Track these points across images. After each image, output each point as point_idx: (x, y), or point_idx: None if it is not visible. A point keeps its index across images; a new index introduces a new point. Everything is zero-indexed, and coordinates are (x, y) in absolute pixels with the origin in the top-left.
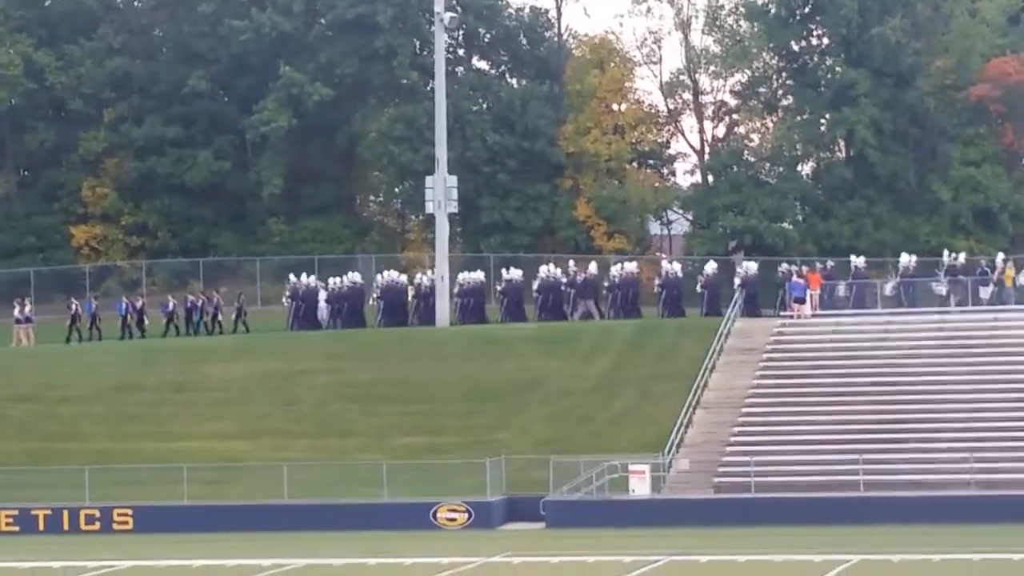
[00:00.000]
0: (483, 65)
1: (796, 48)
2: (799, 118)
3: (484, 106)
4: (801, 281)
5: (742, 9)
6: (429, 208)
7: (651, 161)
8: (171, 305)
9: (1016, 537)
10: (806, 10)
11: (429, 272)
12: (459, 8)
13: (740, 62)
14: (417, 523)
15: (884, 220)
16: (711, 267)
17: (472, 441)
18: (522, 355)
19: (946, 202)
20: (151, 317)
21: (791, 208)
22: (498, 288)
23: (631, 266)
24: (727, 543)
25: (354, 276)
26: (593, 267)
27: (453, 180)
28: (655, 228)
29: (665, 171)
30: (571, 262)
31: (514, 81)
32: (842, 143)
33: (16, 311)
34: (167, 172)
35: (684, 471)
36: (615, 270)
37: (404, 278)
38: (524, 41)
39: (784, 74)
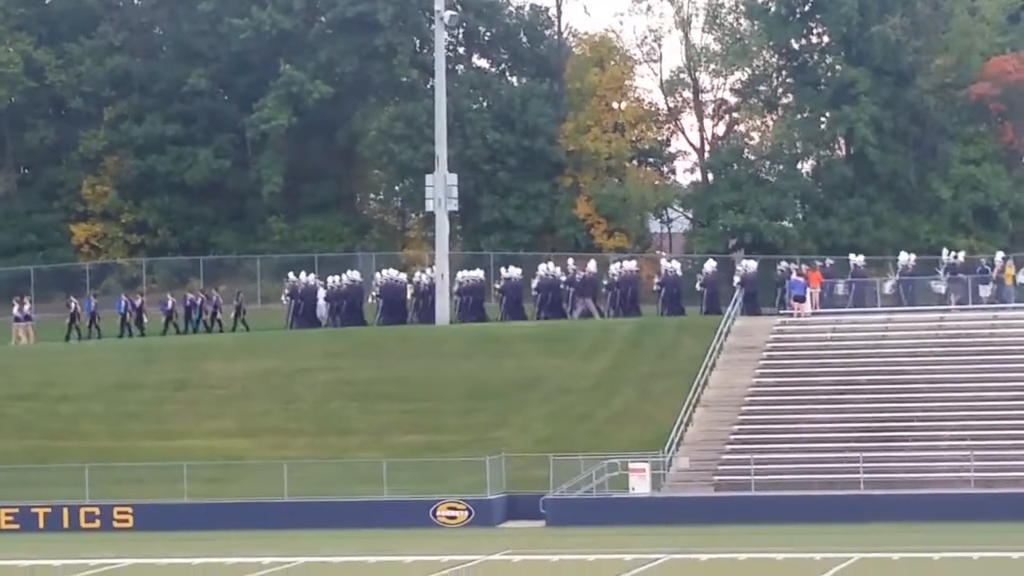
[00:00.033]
0: (483, 63)
1: (796, 46)
2: (799, 116)
3: (484, 104)
4: (801, 279)
5: (742, 7)
6: (429, 206)
7: (651, 159)
8: (170, 303)
9: (1016, 535)
10: (806, 8)
11: (428, 270)
12: (459, 6)
13: (740, 60)
14: (417, 521)
15: (884, 218)
16: (710, 265)
17: (472, 439)
18: (522, 353)
19: (946, 200)
20: (150, 315)
21: (791, 206)
22: (497, 287)
23: (630, 264)
24: (727, 541)
25: (353, 274)
26: (592, 265)
27: (453, 178)
28: (655, 226)
29: (665, 169)
30: (570, 260)
31: (514, 79)
32: (842, 141)
33: (15, 309)
34: (167, 170)
35: (684, 469)
36: (614, 268)
37: (403, 276)
38: (524, 39)
39: (784, 72)
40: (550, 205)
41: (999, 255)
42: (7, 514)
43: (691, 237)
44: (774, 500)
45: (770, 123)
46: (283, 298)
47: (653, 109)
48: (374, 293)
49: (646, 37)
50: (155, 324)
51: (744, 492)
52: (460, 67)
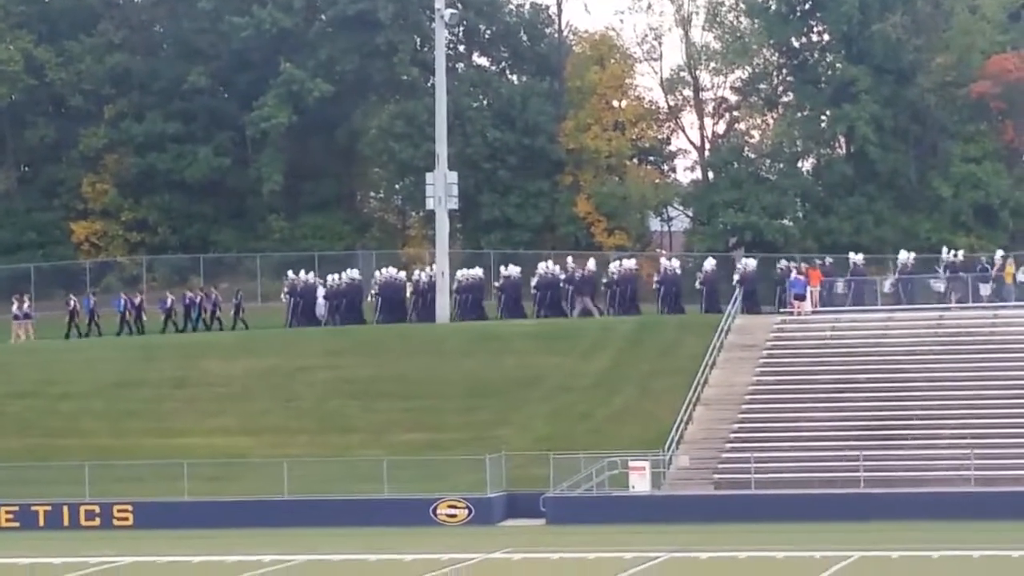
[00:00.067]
0: (484, 61)
1: (797, 44)
2: (799, 114)
3: (484, 102)
4: (801, 278)
5: (742, 5)
6: (429, 204)
7: (651, 157)
8: (169, 301)
9: (1015, 534)
10: (806, 6)
11: (427, 269)
12: (459, 4)
13: (740, 58)
14: (417, 519)
15: (884, 217)
16: (710, 264)
17: (472, 437)
18: (522, 352)
19: (946, 199)
20: (149, 314)
21: (791, 205)
22: (496, 285)
23: (630, 263)
24: (727, 539)
25: (352, 273)
26: (591, 264)
27: (453, 176)
28: (655, 225)
29: (665, 167)
30: (569, 259)
31: (514, 77)
32: (842, 140)
33: (15, 307)
34: (167, 168)
35: (684, 467)
36: (614, 267)
37: (402, 275)
38: (524, 37)
39: (784, 70)
40: (550, 203)
41: (998, 253)
42: (7, 512)
43: (691, 235)
44: (774, 498)
45: (770, 121)
46: (282, 296)
47: (653, 107)
48: (373, 291)
49: (646, 35)
50: (154, 322)
51: (744, 490)
52: (460, 65)
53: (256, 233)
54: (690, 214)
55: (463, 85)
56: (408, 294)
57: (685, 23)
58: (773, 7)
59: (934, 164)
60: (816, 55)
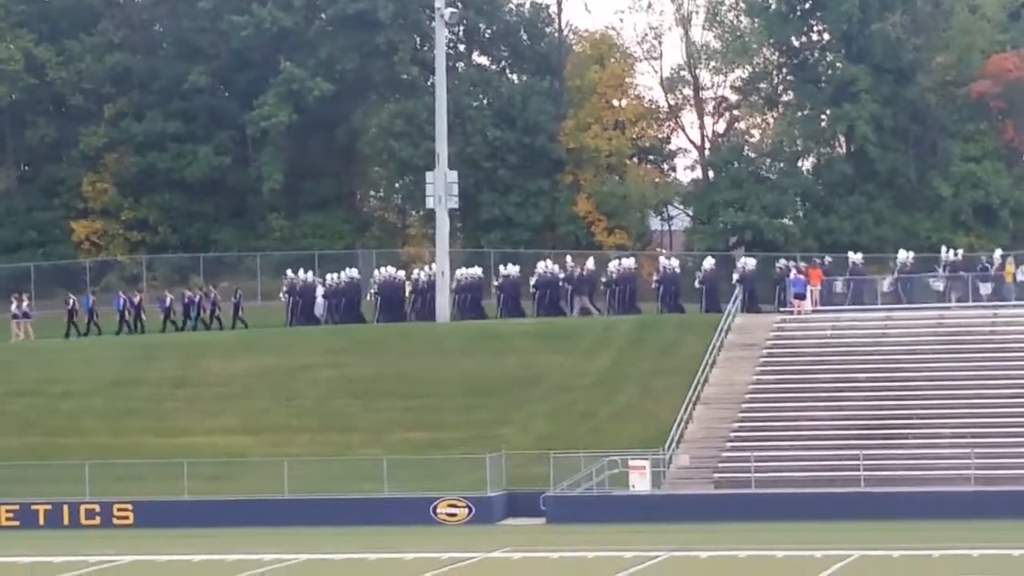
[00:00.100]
0: (484, 61)
1: (796, 44)
2: (799, 114)
3: (484, 101)
4: (802, 277)
5: (742, 5)
6: (429, 203)
7: (651, 157)
8: (168, 300)
9: (1016, 533)
10: (806, 6)
11: (426, 268)
12: (459, 3)
13: (740, 58)
14: (417, 518)
15: (884, 216)
16: (709, 263)
17: (472, 436)
18: (522, 351)
19: (946, 198)
20: (148, 313)
21: (791, 204)
22: (495, 284)
23: (629, 262)
24: (727, 539)
25: (351, 272)
26: (590, 263)
27: (453, 175)
28: (655, 224)
29: (665, 167)
30: (568, 258)
31: (514, 77)
32: (842, 139)
33: (14, 306)
34: (167, 167)
35: (684, 467)
36: (613, 266)
37: (401, 274)
38: (524, 37)
39: (784, 70)
40: (550, 202)
41: (997, 253)
42: (8, 511)
43: (691, 235)
44: (774, 497)
45: (770, 120)
46: (281, 295)
47: (653, 106)
48: (372, 291)
49: (646, 34)
50: (154, 321)
51: (744, 489)
52: (460, 64)
53: (256, 232)
54: (690, 213)
55: (463, 84)
56: (407, 293)
57: (685, 22)
58: (773, 6)
59: (934, 163)
60: (816, 54)
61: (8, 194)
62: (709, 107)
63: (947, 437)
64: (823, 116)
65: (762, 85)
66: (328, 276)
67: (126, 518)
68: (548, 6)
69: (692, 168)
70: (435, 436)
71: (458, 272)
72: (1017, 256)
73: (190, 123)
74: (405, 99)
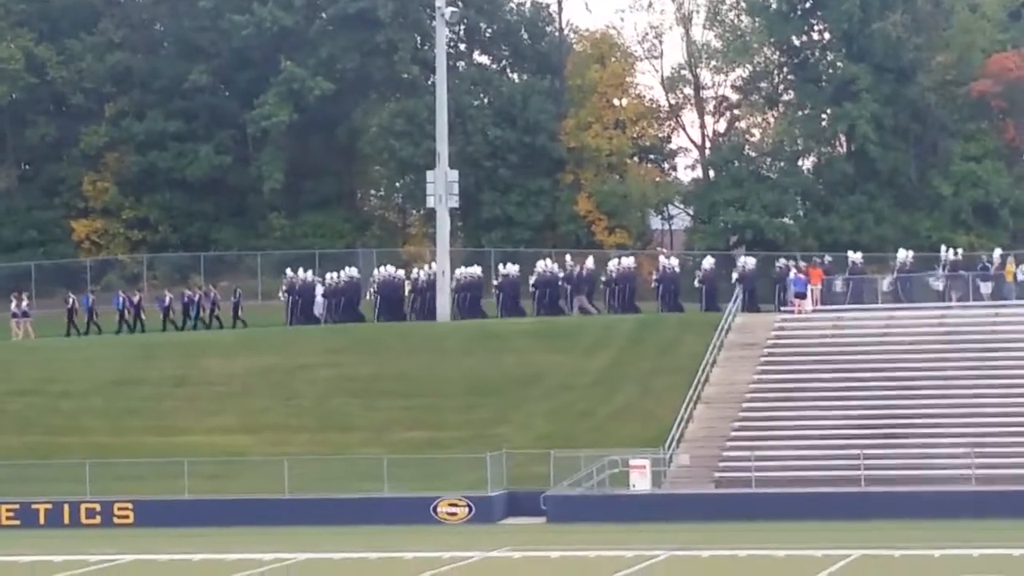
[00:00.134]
0: (484, 60)
1: (797, 43)
2: (800, 113)
3: (485, 101)
4: (802, 276)
5: (743, 4)
6: (430, 203)
7: (652, 156)
8: (167, 300)
9: (1016, 532)
10: (807, 5)
11: (426, 267)
12: (460, 3)
13: (741, 57)
14: (418, 517)
15: (885, 215)
16: (708, 262)
17: (473, 435)
18: (522, 350)
19: (947, 197)
20: (148, 312)
21: (792, 203)
22: (495, 283)
23: (628, 261)
24: (728, 538)
25: (351, 271)
26: (590, 262)
27: (454, 175)
28: (656, 223)
29: (666, 166)
30: (568, 257)
31: (515, 76)
32: (843, 138)
33: (13, 305)
34: (168, 166)
35: (685, 466)
36: (612, 265)
37: (401, 273)
38: (525, 36)
39: (785, 69)
40: (551, 202)
41: (997, 252)
42: (8, 510)
43: (692, 234)
44: (775, 497)
45: (771, 120)
46: (280, 295)
47: (654, 106)
48: (372, 290)
49: (647, 34)
50: (154, 321)
51: (745, 489)
52: (461, 64)
53: (257, 231)
54: (691, 212)
55: (464, 83)
56: (406, 292)
57: (686, 21)
58: (774, 6)
59: (934, 163)
60: (817, 54)
61: (9, 193)
62: (710, 106)
63: (948, 437)
64: (824, 115)
65: (763, 84)
66: (327, 275)
67: (126, 517)
68: (549, 5)
69: (693, 167)
70: (435, 435)
71: (457, 271)
72: (1017, 255)
73: (191, 122)
74: (406, 98)
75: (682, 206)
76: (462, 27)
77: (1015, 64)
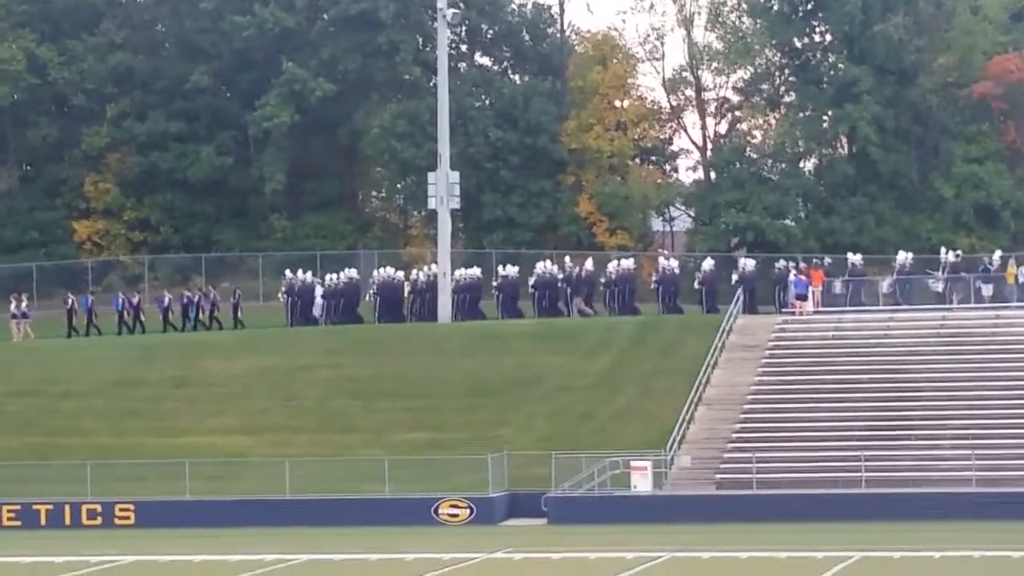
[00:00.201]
0: (486, 61)
1: (799, 45)
2: (801, 115)
3: (487, 102)
4: (803, 278)
5: (744, 6)
6: (431, 204)
7: (653, 157)
8: (167, 300)
9: (1017, 534)
10: (808, 7)
11: (425, 268)
12: (462, 4)
13: (742, 59)
14: (419, 519)
15: (886, 217)
16: (708, 263)
17: (474, 437)
18: (523, 351)
19: (948, 199)
20: (148, 313)
21: (793, 205)
22: (494, 284)
23: (628, 263)
24: (729, 539)
25: (350, 272)
26: (589, 264)
27: (455, 176)
28: (657, 225)
29: (667, 167)
30: (567, 258)
31: (517, 77)
32: (844, 140)
33: (12, 306)
34: (169, 167)
35: (686, 468)
36: (612, 267)
37: (400, 274)
38: (527, 37)
39: (786, 71)
40: (552, 203)
41: (997, 254)
42: (9, 511)
43: (693, 235)
44: (776, 499)
45: (772, 122)
46: (280, 296)
47: (655, 107)
48: (372, 291)
49: (648, 35)
50: (153, 322)
51: (746, 491)
52: (463, 65)
53: (258, 232)
54: (692, 214)
55: (465, 85)
56: (406, 294)
57: (687, 23)
58: (775, 7)
59: (936, 164)
60: (818, 55)
61: (10, 194)
62: (711, 108)
63: (949, 439)
64: (825, 117)
65: (764, 86)
66: (327, 277)
67: (127, 518)
68: (550, 7)
69: (694, 169)
70: (436, 436)
71: (457, 273)
72: (1018, 257)
73: (192, 123)
74: (407, 99)
75: (683, 208)
76: (464, 28)
77: (1016, 66)
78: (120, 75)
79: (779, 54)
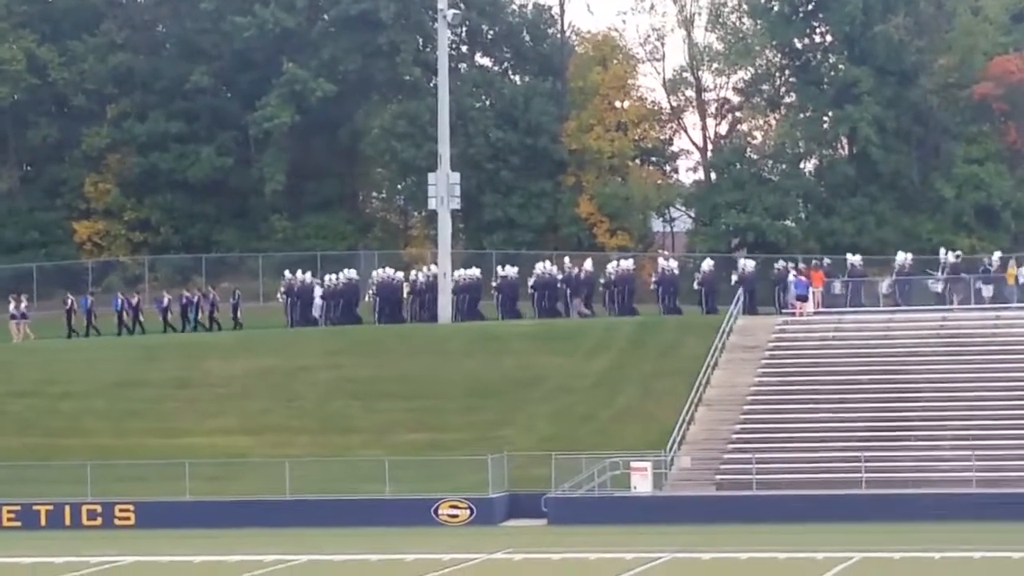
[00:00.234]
0: (486, 62)
1: (799, 45)
2: (802, 115)
3: (487, 103)
4: (803, 279)
5: (745, 6)
6: (432, 204)
7: (654, 158)
8: (166, 301)
9: (1017, 535)
10: (809, 7)
11: (425, 268)
12: (462, 4)
13: (743, 59)
14: (419, 519)
15: (887, 218)
16: (707, 264)
17: (474, 437)
18: (524, 352)
19: (949, 200)
20: (147, 313)
21: (793, 205)
22: (493, 285)
23: (627, 263)
24: (729, 540)
25: (350, 273)
26: (588, 264)
27: (456, 177)
28: (658, 225)
29: (668, 168)
30: (566, 259)
31: (517, 78)
32: (845, 141)
33: (11, 307)
34: (170, 168)
35: (686, 468)
36: (611, 267)
37: (400, 275)
38: (527, 38)
39: (787, 71)
40: (553, 204)
41: (996, 255)
42: (9, 511)
43: (693, 236)
44: (776, 499)
45: (773, 122)
46: (279, 296)
47: (656, 108)
48: (371, 291)
49: (649, 36)
50: (153, 322)
51: (746, 491)
52: (463, 65)
53: (258, 233)
54: (692, 215)
55: (466, 85)
56: (405, 294)
57: (687, 24)
58: (775, 8)
59: (936, 165)
60: (818, 56)
61: (10, 194)
62: (711, 109)
63: (949, 439)
64: (825, 118)
65: (764, 87)
66: (326, 277)
67: (128, 519)
68: (551, 7)
69: (694, 170)
70: (436, 437)
71: (456, 273)
72: (1019, 258)
73: (192, 124)
74: (407, 100)
75: (684, 208)
76: (464, 29)
77: (1017, 67)
78: (120, 75)
79: (779, 55)
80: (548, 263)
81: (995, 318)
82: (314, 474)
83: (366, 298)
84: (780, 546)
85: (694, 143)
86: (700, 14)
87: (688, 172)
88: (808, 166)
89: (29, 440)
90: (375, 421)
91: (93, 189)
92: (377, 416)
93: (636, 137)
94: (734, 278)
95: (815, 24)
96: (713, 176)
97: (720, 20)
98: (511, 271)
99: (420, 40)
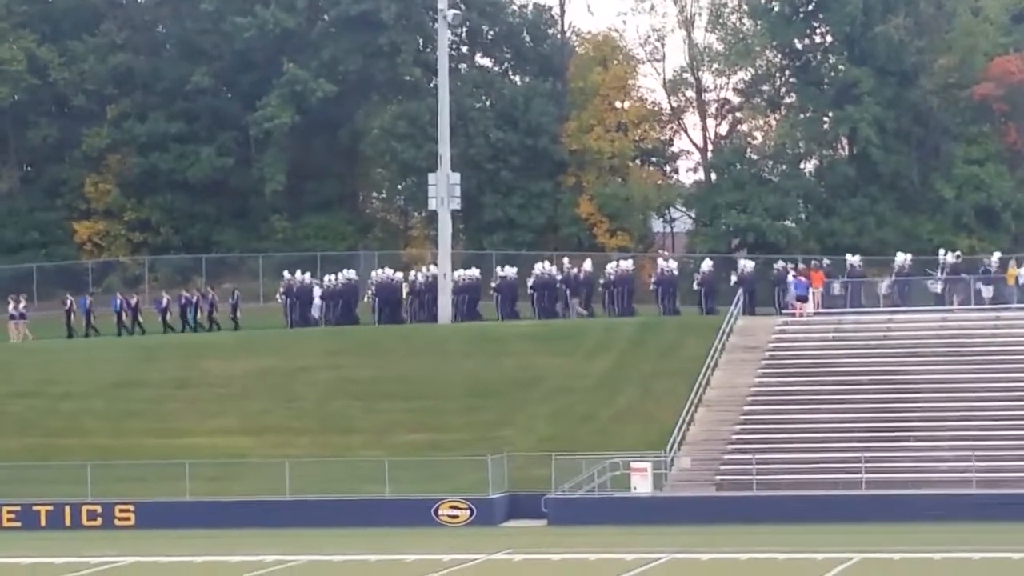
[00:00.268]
0: (486, 62)
1: (799, 46)
2: (802, 116)
3: (487, 103)
4: (802, 279)
5: (745, 7)
6: (432, 205)
7: (654, 159)
8: (165, 301)
9: (1017, 536)
10: (809, 8)
11: (424, 269)
12: (462, 5)
13: (743, 60)
14: (419, 520)
15: (887, 218)
16: (707, 265)
17: (474, 438)
18: (524, 352)
19: (949, 200)
20: (145, 313)
21: (794, 206)
22: (492, 285)
23: (626, 264)
24: (729, 541)
25: (349, 273)
26: (587, 264)
27: (456, 177)
28: (658, 226)
29: (668, 169)
30: (566, 260)
31: (517, 78)
32: (845, 141)
33: (10, 307)
34: (170, 168)
35: (686, 469)
36: (611, 267)
37: (399, 275)
38: (527, 38)
39: (787, 72)
40: (553, 204)
41: (996, 255)
42: (9, 512)
43: (694, 237)
44: (776, 500)
45: (773, 123)
46: (278, 296)
47: (656, 108)
48: (370, 292)
49: (649, 36)
50: (152, 323)
51: (746, 492)
52: (463, 66)
53: (259, 233)
54: (692, 215)
55: (466, 86)
56: (404, 295)
57: (688, 24)
58: (776, 8)
59: (936, 166)
60: (819, 56)
61: (11, 195)
62: (711, 109)
63: (949, 440)
64: (825, 118)
65: (764, 87)
66: (325, 277)
67: (128, 519)
68: (551, 8)
69: (694, 170)
70: (436, 438)
71: (455, 273)
72: (1019, 259)
73: (193, 124)
74: (408, 100)
75: (684, 209)
76: (464, 29)
77: (1017, 67)
78: (121, 76)
79: (780, 55)
80: (547, 263)
81: (995, 318)
82: (314, 474)
83: (365, 298)
84: (780, 547)
85: (694, 143)
86: (700, 15)
87: (688, 172)
88: (808, 167)
89: (29, 440)
90: (375, 421)
91: (93, 189)
92: (377, 416)
93: (636, 137)
94: (734, 278)
95: (815, 24)
96: (713, 176)
97: (720, 21)
98: (510, 271)
99: (420, 40)
